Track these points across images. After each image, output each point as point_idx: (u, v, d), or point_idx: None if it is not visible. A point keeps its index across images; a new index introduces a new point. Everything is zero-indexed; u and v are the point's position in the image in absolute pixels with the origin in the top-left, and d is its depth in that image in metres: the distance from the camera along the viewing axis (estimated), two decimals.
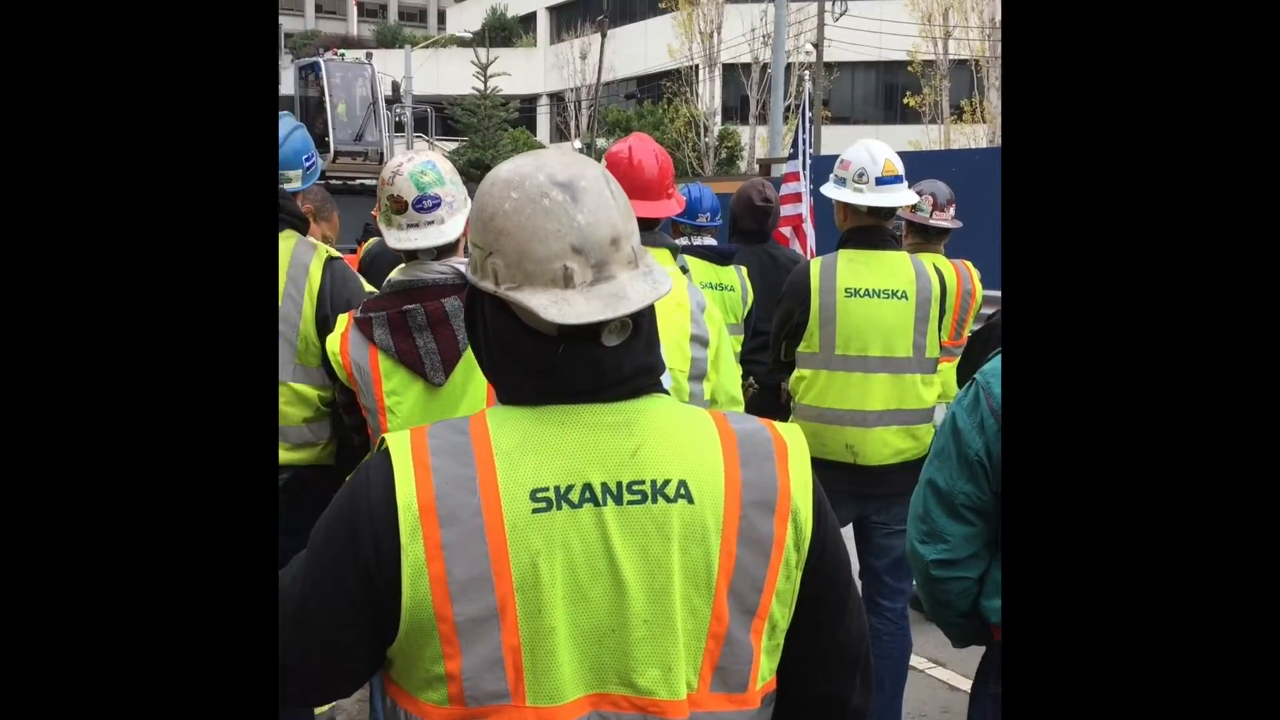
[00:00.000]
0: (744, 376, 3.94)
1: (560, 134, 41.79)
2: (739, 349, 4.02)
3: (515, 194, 1.22)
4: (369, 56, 16.02)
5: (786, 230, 7.54)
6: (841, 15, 27.46)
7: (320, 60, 15.26)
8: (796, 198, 8.94)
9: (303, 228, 2.89)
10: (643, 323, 1.25)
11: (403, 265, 2.51)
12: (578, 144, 34.17)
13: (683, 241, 4.12)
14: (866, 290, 3.27)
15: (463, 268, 2.42)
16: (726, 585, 1.22)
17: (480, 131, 10.68)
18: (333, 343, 2.47)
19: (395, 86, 17.58)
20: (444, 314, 2.41)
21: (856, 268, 3.31)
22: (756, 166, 26.41)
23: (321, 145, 14.87)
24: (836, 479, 3.27)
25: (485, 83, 10.96)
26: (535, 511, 1.18)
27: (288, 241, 2.82)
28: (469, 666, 1.17)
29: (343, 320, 2.49)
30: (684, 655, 1.21)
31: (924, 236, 4.33)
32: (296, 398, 2.76)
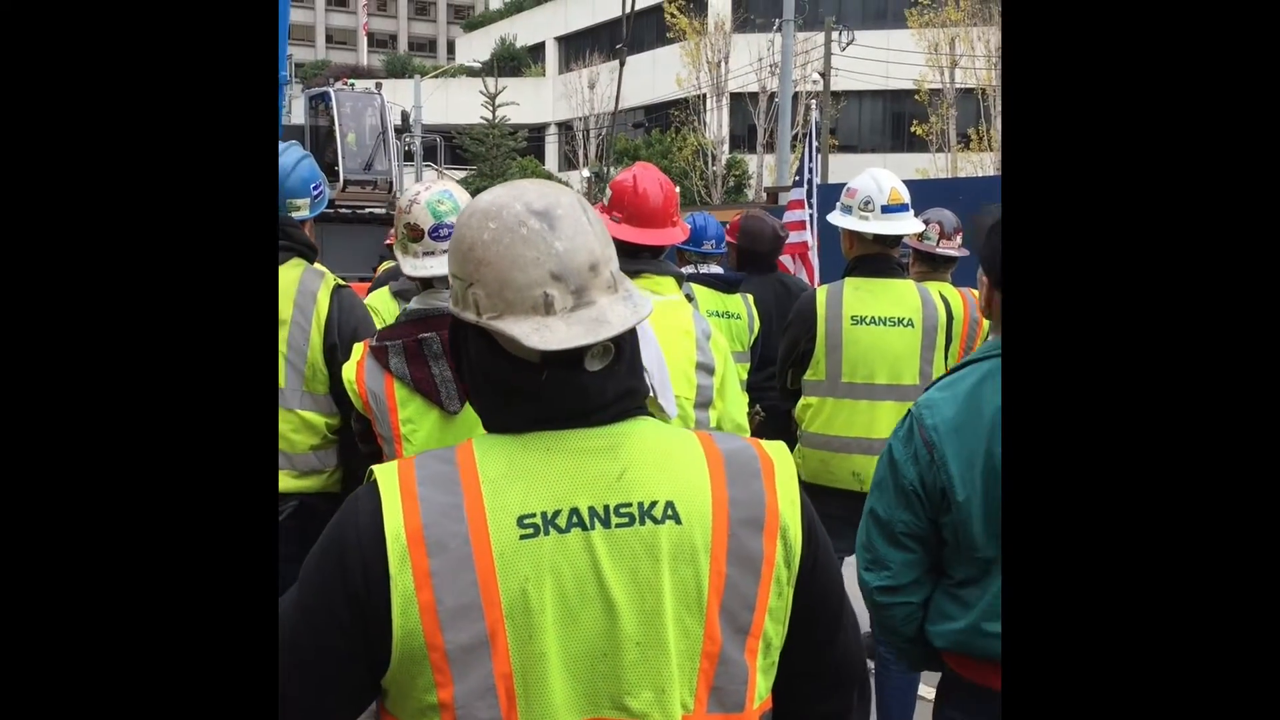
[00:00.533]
0: (751, 404, 3.95)
1: (568, 163, 42.01)
2: (745, 377, 4.03)
3: (493, 224, 1.24)
4: (378, 86, 16.13)
5: (787, 259, 7.55)
6: (848, 45, 27.58)
7: (330, 90, 15.36)
8: (801, 225, 8.96)
9: (311, 256, 2.91)
10: (625, 346, 1.27)
11: (419, 294, 2.53)
12: (586, 173, 34.35)
13: (688, 270, 4.14)
14: (873, 318, 3.28)
15: None
16: (718, 604, 1.23)
17: (488, 160, 10.75)
18: (349, 371, 2.48)
19: (405, 116, 17.72)
20: None
21: (863, 295, 3.33)
22: (764, 195, 26.51)
23: (331, 174, 14.94)
24: (844, 507, 3.28)
25: (494, 112, 11.05)
26: (523, 538, 1.19)
27: (295, 270, 2.84)
28: (461, 695, 1.17)
29: (358, 349, 2.51)
30: (678, 676, 1.21)
31: (931, 265, 4.34)
32: (304, 425, 2.76)
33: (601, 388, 1.25)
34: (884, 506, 2.02)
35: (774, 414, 4.41)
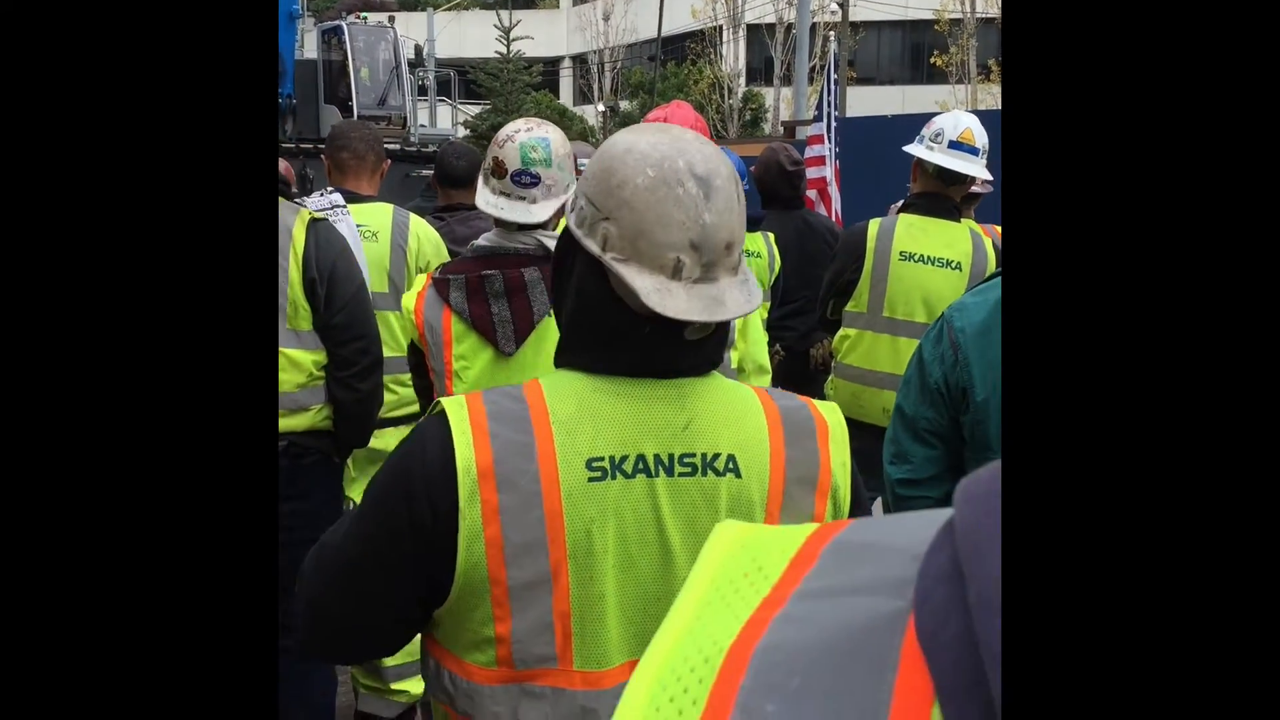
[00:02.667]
0: (770, 344, 3.95)
1: (583, 96, 41.56)
2: (765, 316, 4.03)
3: (652, 172, 1.22)
4: (391, 20, 15.93)
5: (812, 194, 7.50)
6: None
7: (343, 24, 15.16)
8: (821, 160, 8.88)
9: (286, 193, 2.87)
10: (719, 326, 1.28)
11: (491, 231, 2.49)
12: (601, 107, 34.00)
13: None
14: (921, 256, 3.26)
15: (548, 241, 2.41)
16: None
17: (503, 96, 10.60)
18: (408, 300, 2.46)
19: (418, 50, 17.49)
20: (523, 283, 2.39)
21: (915, 233, 3.30)
22: (781, 129, 26.19)
23: (344, 109, 14.82)
24: (873, 443, 3.29)
25: (508, 46, 10.89)
26: (591, 480, 1.21)
27: None
28: (519, 630, 1.21)
29: (420, 280, 2.49)
30: None
31: None
32: (289, 363, 2.70)
33: (686, 354, 1.26)
34: (910, 403, 2.11)
35: (793, 353, 4.41)
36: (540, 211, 2.41)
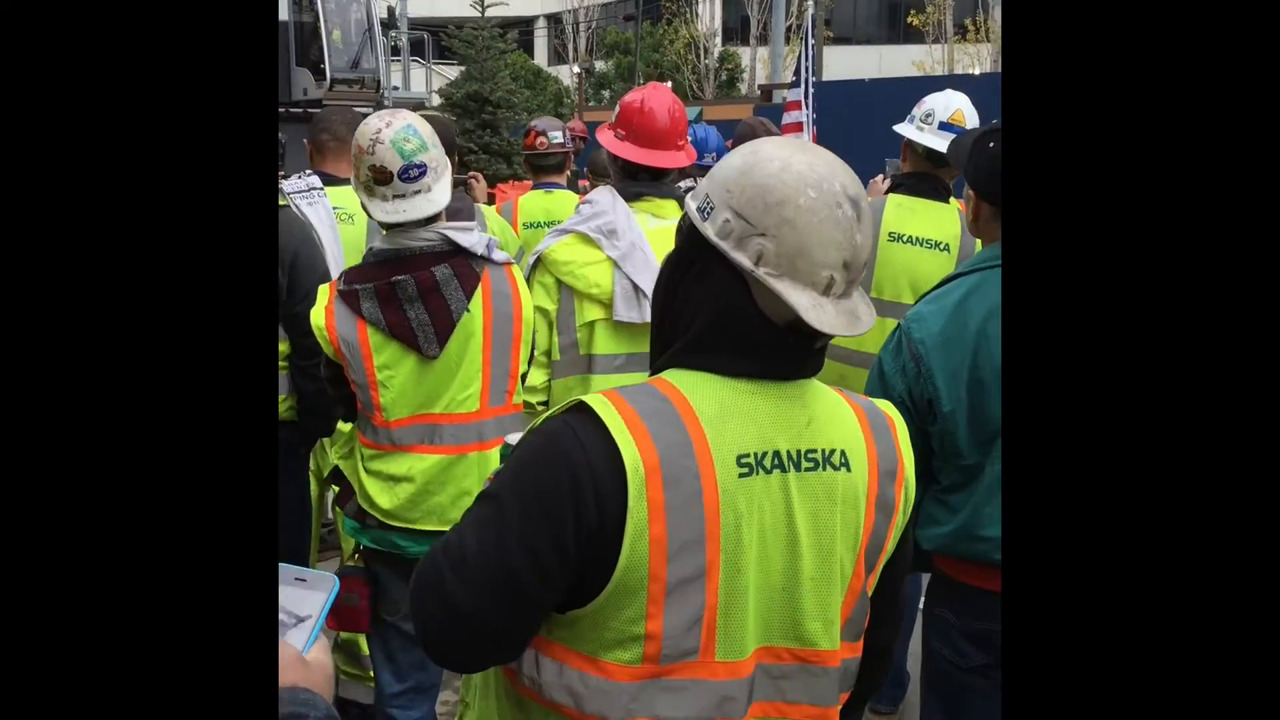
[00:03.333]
0: None
1: (558, 56, 41.14)
2: None
3: (813, 192, 1.26)
4: None
5: None
6: None
7: None
8: (798, 127, 8.85)
9: None
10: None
11: (386, 234, 2.41)
12: (576, 69, 33.68)
13: (689, 183, 4.11)
14: (910, 237, 3.24)
15: (450, 233, 2.36)
16: (865, 546, 1.35)
17: (478, 63, 10.52)
18: (317, 316, 2.36)
19: (390, 11, 17.26)
20: (435, 283, 2.34)
21: (903, 213, 3.28)
22: (758, 91, 26.03)
23: (317, 72, 14.60)
24: None
25: (483, 10, 10.78)
26: (741, 476, 1.26)
27: None
28: (670, 625, 1.24)
29: (324, 292, 2.39)
30: (838, 609, 1.34)
31: None
32: None
33: (807, 359, 1.34)
34: None
35: None
36: (440, 196, 2.36)
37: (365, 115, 3.46)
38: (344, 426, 2.89)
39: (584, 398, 1.28)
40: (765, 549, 1.28)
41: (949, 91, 3.35)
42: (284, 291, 2.64)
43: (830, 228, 1.25)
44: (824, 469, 1.31)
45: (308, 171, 3.29)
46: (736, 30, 35.94)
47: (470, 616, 1.26)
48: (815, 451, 1.31)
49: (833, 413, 1.35)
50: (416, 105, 15.77)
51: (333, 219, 3.14)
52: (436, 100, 19.27)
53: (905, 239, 3.25)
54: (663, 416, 1.25)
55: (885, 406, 1.44)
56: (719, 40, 35.15)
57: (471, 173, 4.46)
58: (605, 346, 2.75)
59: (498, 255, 2.45)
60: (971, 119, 3.26)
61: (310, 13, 14.90)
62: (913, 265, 3.24)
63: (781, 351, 1.30)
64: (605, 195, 2.78)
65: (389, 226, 2.39)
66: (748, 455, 1.27)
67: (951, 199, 3.40)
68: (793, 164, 1.27)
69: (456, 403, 2.42)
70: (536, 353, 2.67)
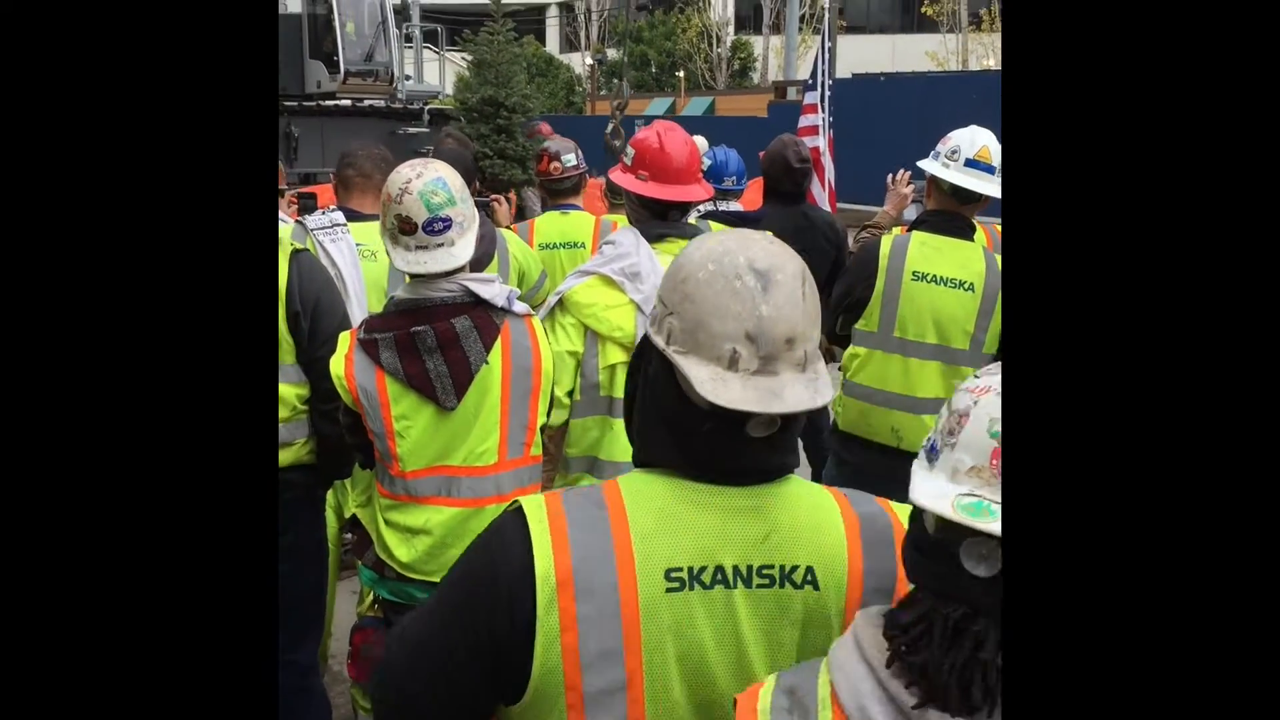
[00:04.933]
0: None
1: (570, 45, 41.02)
2: None
3: (712, 266, 1.25)
4: None
5: None
6: None
7: None
8: (814, 130, 8.81)
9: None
10: (792, 424, 1.28)
11: (408, 283, 2.42)
12: (589, 60, 33.57)
13: (708, 207, 4.08)
14: (934, 277, 3.20)
15: (472, 285, 2.37)
16: None
17: (494, 68, 10.47)
18: (336, 365, 2.38)
19: (405, 5, 17.19)
20: (454, 335, 2.34)
21: (928, 252, 3.24)
22: (771, 84, 25.96)
23: (331, 65, 14.58)
24: (879, 462, 3.29)
25: (500, 19, 10.75)
26: (669, 591, 1.23)
27: None
28: None
29: (344, 340, 2.41)
30: None
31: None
32: None
33: (758, 455, 1.27)
34: None
35: None
36: (462, 251, 2.36)
37: (386, 154, 3.48)
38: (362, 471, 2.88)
39: (522, 500, 1.29)
40: (704, 664, 1.24)
41: (974, 128, 3.30)
42: (305, 336, 2.63)
43: (728, 299, 1.23)
44: (781, 586, 1.25)
45: (332, 207, 3.27)
46: (749, 19, 35.79)
47: (411, 700, 1.30)
48: (771, 568, 1.25)
49: (806, 523, 1.28)
50: (430, 98, 15.72)
51: (355, 256, 3.13)
52: (450, 90, 19.22)
53: (929, 278, 3.20)
54: (592, 525, 1.24)
55: (901, 514, 1.34)
56: (731, 29, 35.00)
57: (494, 196, 4.41)
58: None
59: (518, 307, 2.44)
60: (997, 154, 3.21)
61: (324, 5, 14.87)
62: (937, 304, 3.19)
63: (708, 440, 1.25)
64: (628, 236, 2.75)
65: (410, 275, 2.38)
66: (679, 570, 1.23)
67: (976, 236, 3.37)
68: (705, 243, 1.29)
69: (475, 455, 2.40)
70: (558, 392, 2.64)
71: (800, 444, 4.90)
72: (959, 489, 1.05)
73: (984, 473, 1.04)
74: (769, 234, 1.32)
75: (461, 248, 2.36)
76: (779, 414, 1.23)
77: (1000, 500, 1.02)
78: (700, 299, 1.24)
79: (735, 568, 1.24)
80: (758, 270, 1.24)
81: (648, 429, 1.32)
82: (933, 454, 1.12)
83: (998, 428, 1.04)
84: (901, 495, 3.49)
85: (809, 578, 1.26)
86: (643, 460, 1.33)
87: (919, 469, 1.14)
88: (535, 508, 1.26)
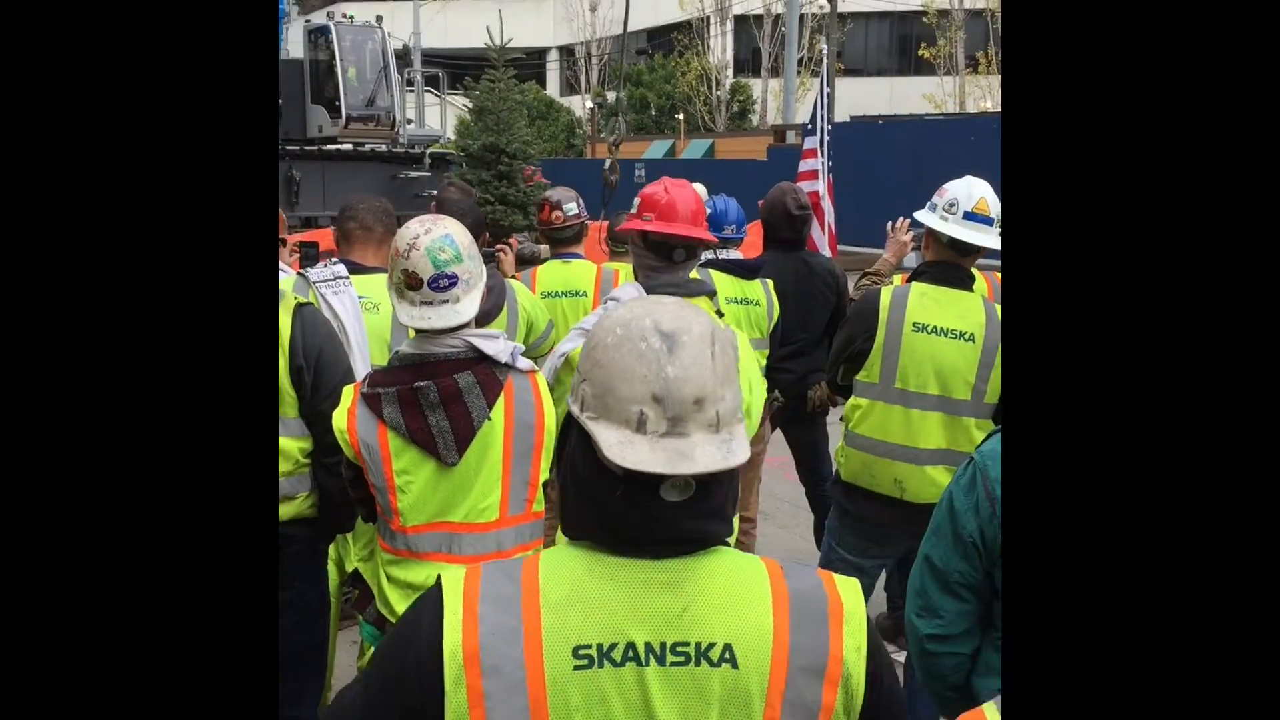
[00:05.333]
0: (770, 389, 3.94)
1: (570, 88, 41.39)
2: (765, 363, 4.02)
3: (620, 330, 1.26)
4: (379, 20, 15.79)
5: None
6: None
7: (330, 24, 15.04)
8: (814, 174, 8.85)
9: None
10: (712, 488, 1.25)
11: (413, 338, 2.43)
12: (589, 103, 33.85)
13: (707, 255, 4.09)
14: (934, 328, 3.19)
15: (476, 340, 2.38)
16: None
17: (495, 114, 10.55)
18: (339, 419, 2.38)
19: (406, 50, 17.39)
20: (457, 390, 2.34)
21: (928, 303, 3.24)
22: (770, 127, 26.16)
23: (333, 110, 14.72)
24: (883, 513, 3.28)
25: (501, 48, 10.81)
26: (577, 668, 1.21)
27: None
28: None
29: (348, 394, 2.41)
30: None
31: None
32: None
33: (673, 521, 1.24)
34: (940, 554, 1.98)
35: (790, 395, 4.40)
36: (467, 308, 2.37)
37: (387, 205, 3.50)
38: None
39: (444, 575, 1.29)
40: None
41: (970, 179, 3.31)
42: (308, 390, 2.63)
43: (633, 361, 1.23)
44: (697, 664, 1.22)
45: (334, 260, 3.28)
46: (748, 62, 36.13)
47: None
48: (686, 645, 1.22)
49: (726, 597, 1.24)
50: (432, 142, 15.84)
51: (358, 308, 3.13)
52: (452, 134, 19.36)
53: (930, 329, 3.20)
54: (503, 601, 1.23)
55: (843, 589, 1.30)
56: (730, 72, 35.32)
57: (500, 245, 4.43)
58: None
59: (522, 363, 2.44)
60: (995, 206, 3.23)
61: (326, 51, 15.04)
62: (938, 355, 3.19)
63: (622, 506, 1.23)
64: (631, 293, 2.76)
65: (414, 330, 2.39)
66: (588, 647, 1.21)
67: (976, 285, 3.37)
68: (618, 310, 1.30)
69: (476, 511, 2.39)
70: None
71: (805, 490, 4.90)
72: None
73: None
74: (682, 303, 1.32)
75: (466, 305, 2.36)
76: (690, 476, 1.21)
77: None
78: (608, 363, 1.24)
79: (648, 644, 1.22)
80: (663, 332, 1.24)
81: (570, 500, 1.31)
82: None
83: None
84: (906, 545, 3.45)
85: (727, 655, 1.22)
86: (569, 533, 1.31)
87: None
88: (453, 583, 1.26)
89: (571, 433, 1.31)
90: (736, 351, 1.31)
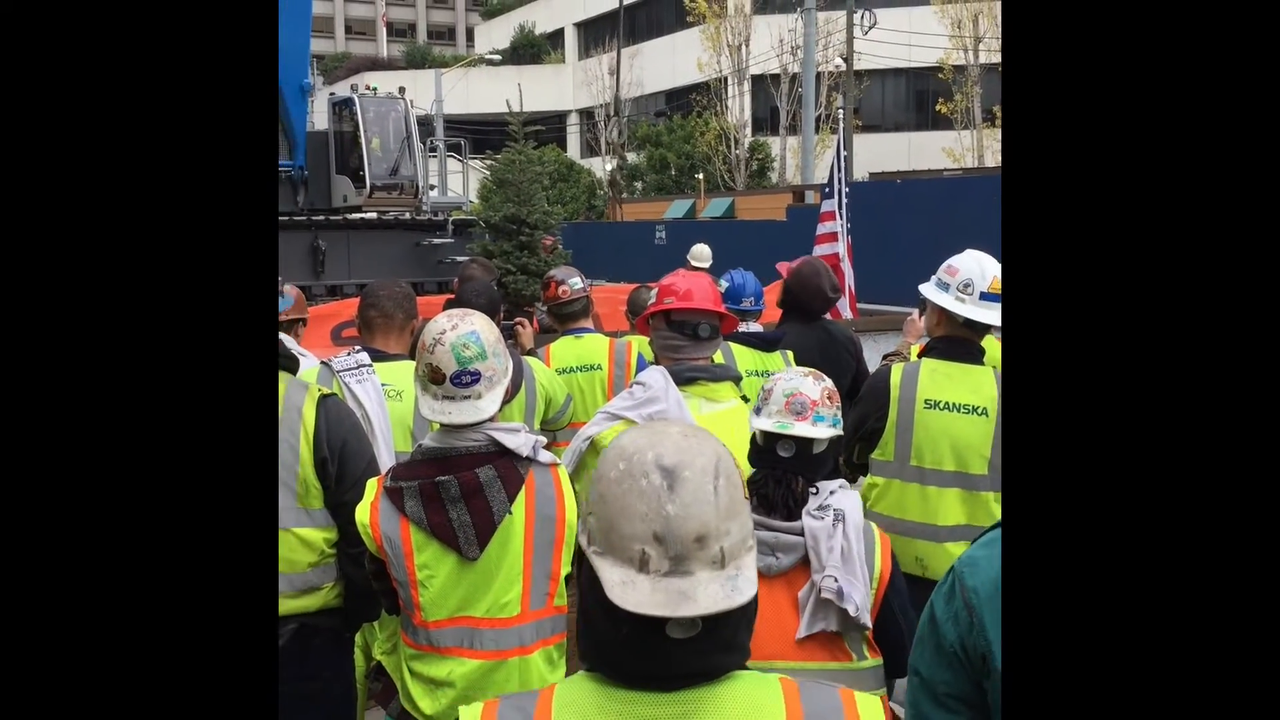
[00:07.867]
0: None
1: (590, 150, 41.89)
2: None
3: (622, 465, 1.23)
4: (402, 91, 16.08)
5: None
6: (870, 29, 27.23)
7: (354, 96, 15.34)
8: (833, 237, 8.91)
9: (292, 367, 2.76)
10: (720, 623, 1.23)
11: (436, 431, 2.45)
12: (609, 165, 34.23)
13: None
14: (946, 404, 3.18)
15: (497, 434, 2.40)
16: None
17: (515, 186, 10.70)
18: (362, 513, 2.40)
19: (429, 117, 17.70)
20: (478, 485, 2.35)
21: (939, 379, 3.23)
22: (788, 185, 26.33)
23: (357, 180, 14.96)
24: (908, 591, 3.24)
25: (521, 140, 11.00)
26: None
27: (279, 385, 2.66)
28: None
29: (371, 487, 2.43)
30: None
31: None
32: (301, 543, 2.64)
33: (681, 659, 1.22)
34: (925, 665, 1.90)
35: None
36: (489, 405, 2.38)
37: (408, 290, 3.55)
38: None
39: (461, 710, 1.29)
40: None
41: (979, 257, 3.29)
42: (333, 480, 2.64)
43: (634, 499, 1.20)
44: None
45: (356, 348, 3.32)
46: (766, 120, 36.47)
47: None
48: None
49: None
50: (455, 208, 16.05)
51: (381, 396, 3.16)
52: (475, 197, 19.60)
53: (942, 405, 3.19)
54: None
55: (863, 707, 1.29)
56: (749, 130, 35.65)
57: (519, 319, 4.47)
58: None
59: (544, 456, 2.45)
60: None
61: (350, 122, 15.32)
62: (952, 431, 3.17)
63: (638, 647, 1.21)
64: (658, 379, 2.78)
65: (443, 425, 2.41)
66: None
67: (986, 357, 3.36)
68: (621, 440, 1.27)
69: (498, 606, 2.39)
70: None
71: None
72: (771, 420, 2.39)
73: (782, 412, 2.38)
74: (687, 429, 1.30)
75: (488, 401, 2.38)
76: (693, 617, 1.19)
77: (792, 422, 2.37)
78: (611, 499, 1.22)
79: None
80: (664, 467, 1.21)
81: (582, 629, 1.29)
82: (757, 410, 2.43)
83: (787, 389, 2.41)
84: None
85: None
86: (584, 660, 1.30)
87: (751, 415, 2.44)
88: (471, 717, 1.28)
89: (582, 562, 1.29)
90: (742, 480, 1.29)
